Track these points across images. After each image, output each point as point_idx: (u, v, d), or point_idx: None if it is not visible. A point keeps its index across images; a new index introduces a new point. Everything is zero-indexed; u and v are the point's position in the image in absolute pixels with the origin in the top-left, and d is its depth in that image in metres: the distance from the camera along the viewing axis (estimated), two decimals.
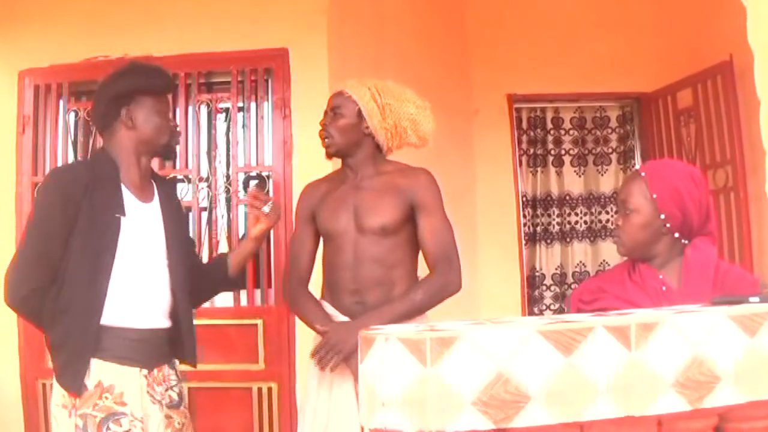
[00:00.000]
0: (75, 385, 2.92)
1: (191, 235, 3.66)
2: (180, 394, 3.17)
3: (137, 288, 3.01)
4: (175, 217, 3.24)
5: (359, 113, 3.36)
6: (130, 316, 2.98)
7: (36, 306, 2.99)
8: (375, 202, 3.33)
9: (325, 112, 3.44)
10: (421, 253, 3.37)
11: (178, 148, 3.62)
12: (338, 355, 3.19)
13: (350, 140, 3.38)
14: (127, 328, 2.98)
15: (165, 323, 3.10)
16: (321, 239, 3.49)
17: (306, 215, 3.49)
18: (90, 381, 2.92)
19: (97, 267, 2.94)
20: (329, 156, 3.46)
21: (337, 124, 3.37)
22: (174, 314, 3.13)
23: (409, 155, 3.58)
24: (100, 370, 2.94)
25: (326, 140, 3.40)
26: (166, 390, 3.10)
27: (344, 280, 3.34)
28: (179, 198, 3.51)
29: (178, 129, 3.31)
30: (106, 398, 2.93)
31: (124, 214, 3.00)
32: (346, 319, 3.30)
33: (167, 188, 3.30)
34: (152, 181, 3.20)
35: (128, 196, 3.05)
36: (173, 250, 3.13)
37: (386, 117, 3.36)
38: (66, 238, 2.93)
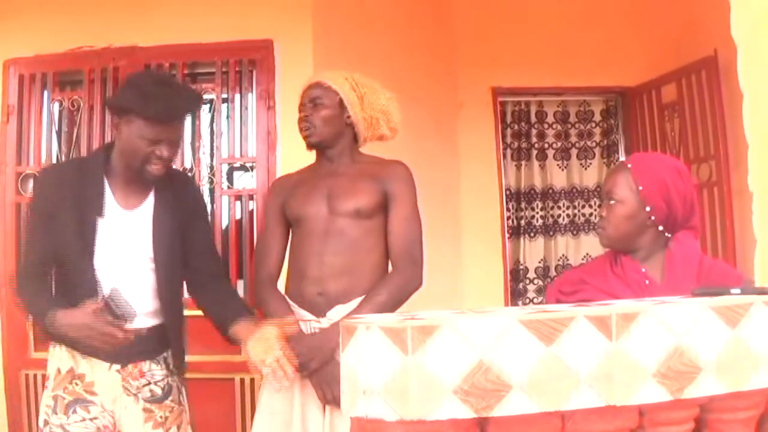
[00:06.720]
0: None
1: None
2: (166, 389, 3.15)
3: (107, 290, 2.96)
4: (169, 221, 3.13)
5: (341, 103, 3.35)
6: None
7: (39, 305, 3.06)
8: (350, 186, 3.31)
9: (303, 104, 3.41)
10: None
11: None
12: (305, 370, 3.12)
13: (333, 130, 3.36)
14: None
15: (146, 323, 3.07)
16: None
17: (276, 209, 3.45)
18: (63, 365, 3.02)
19: (79, 258, 2.99)
20: (310, 147, 3.42)
21: (320, 114, 3.34)
22: (164, 316, 3.13)
23: (394, 148, 3.58)
24: (72, 358, 3.02)
25: (308, 131, 3.36)
26: (146, 385, 3.10)
27: (310, 266, 3.27)
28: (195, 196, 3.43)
29: (164, 159, 3.01)
30: (77, 384, 3.01)
31: (102, 216, 3.01)
32: (307, 314, 3.24)
33: (172, 189, 3.18)
34: (150, 184, 3.11)
35: (110, 202, 3.05)
36: (161, 254, 3.09)
37: (365, 107, 3.37)
38: (52, 236, 2.99)
